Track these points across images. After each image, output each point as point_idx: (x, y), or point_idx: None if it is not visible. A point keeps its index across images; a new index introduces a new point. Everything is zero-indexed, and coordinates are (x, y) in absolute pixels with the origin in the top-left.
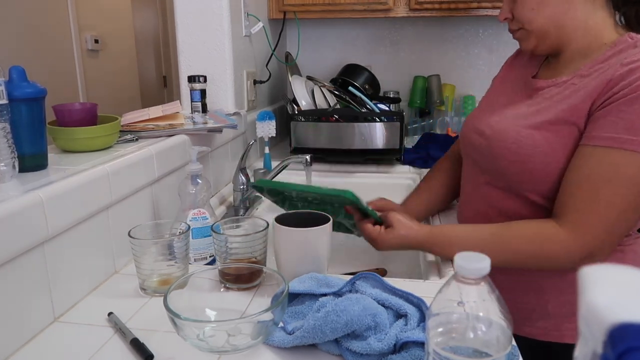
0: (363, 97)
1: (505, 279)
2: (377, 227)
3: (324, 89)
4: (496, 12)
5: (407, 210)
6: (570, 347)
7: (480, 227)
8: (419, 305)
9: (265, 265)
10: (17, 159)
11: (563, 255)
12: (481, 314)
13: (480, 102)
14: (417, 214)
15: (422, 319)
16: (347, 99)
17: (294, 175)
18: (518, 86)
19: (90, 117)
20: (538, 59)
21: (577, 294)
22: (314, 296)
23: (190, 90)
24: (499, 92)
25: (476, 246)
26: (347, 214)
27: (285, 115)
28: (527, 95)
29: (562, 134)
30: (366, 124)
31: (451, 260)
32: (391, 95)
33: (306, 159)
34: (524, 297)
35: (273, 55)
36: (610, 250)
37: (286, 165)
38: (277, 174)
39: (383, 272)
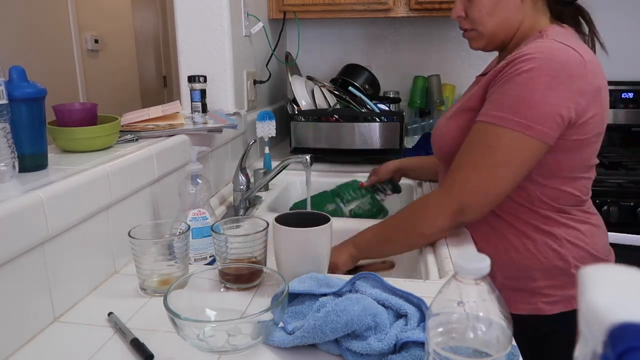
0: (363, 97)
1: None
2: None
3: (324, 89)
4: None
5: (403, 164)
6: (515, 316)
7: (377, 223)
8: (419, 305)
9: (265, 265)
10: (17, 159)
11: (439, 212)
12: (481, 314)
13: None
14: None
15: (422, 319)
16: (347, 99)
17: (294, 175)
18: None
19: (90, 117)
20: (493, 62)
21: (521, 270)
22: (314, 296)
23: (190, 90)
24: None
25: (374, 234)
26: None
27: (285, 115)
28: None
29: (465, 118)
30: (366, 124)
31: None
32: (391, 95)
33: (306, 159)
34: None
35: (273, 55)
36: (479, 210)
37: (286, 165)
38: (277, 173)
39: (391, 265)
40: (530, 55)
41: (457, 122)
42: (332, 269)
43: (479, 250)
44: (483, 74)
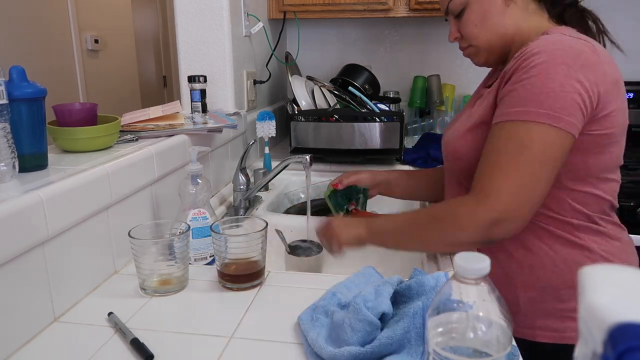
0: (363, 97)
1: None
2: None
3: (324, 89)
4: None
5: (377, 177)
6: (541, 346)
7: (400, 214)
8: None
9: (264, 266)
10: (17, 159)
11: (472, 220)
12: (481, 314)
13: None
14: (389, 185)
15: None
16: (347, 99)
17: (294, 175)
18: (474, 99)
19: (90, 117)
20: (497, 73)
21: (544, 291)
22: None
23: (190, 90)
24: (466, 108)
25: (395, 227)
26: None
27: (285, 115)
28: (473, 105)
29: (484, 131)
30: (366, 124)
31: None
32: (391, 95)
33: (306, 159)
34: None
35: (273, 55)
36: (521, 219)
37: (286, 166)
38: (277, 174)
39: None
40: (539, 48)
41: (476, 136)
42: (332, 241)
43: (502, 266)
44: (487, 86)
